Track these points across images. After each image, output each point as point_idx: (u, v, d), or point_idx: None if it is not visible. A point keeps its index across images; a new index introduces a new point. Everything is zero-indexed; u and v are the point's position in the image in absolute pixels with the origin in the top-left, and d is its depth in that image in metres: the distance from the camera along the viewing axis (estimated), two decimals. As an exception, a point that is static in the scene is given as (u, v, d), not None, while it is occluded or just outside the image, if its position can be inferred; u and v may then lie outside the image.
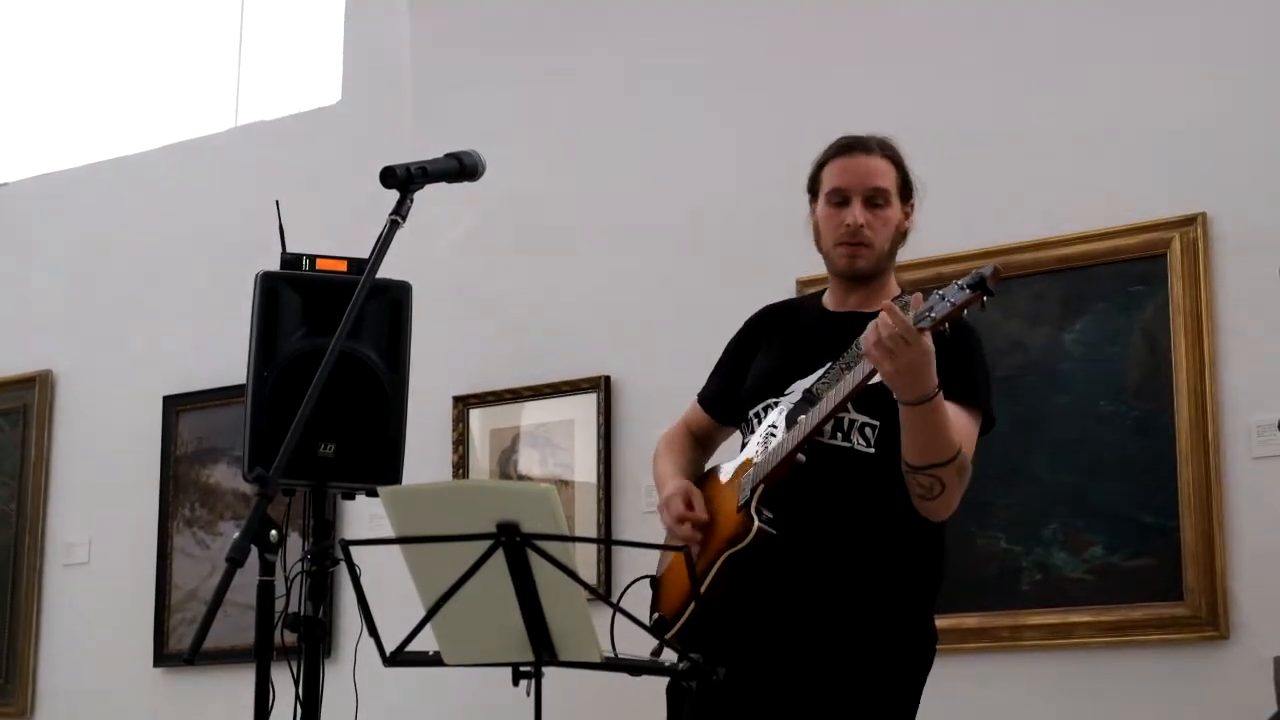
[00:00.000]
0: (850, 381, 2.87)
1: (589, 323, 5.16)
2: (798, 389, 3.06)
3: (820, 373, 3.05)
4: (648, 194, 5.14)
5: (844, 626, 2.96)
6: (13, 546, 6.20)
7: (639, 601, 3.01)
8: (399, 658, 2.66)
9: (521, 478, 5.18)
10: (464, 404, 5.33)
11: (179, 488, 5.90)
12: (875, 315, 3.08)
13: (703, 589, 2.91)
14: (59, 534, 6.17)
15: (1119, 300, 4.31)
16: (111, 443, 6.07)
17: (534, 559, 2.55)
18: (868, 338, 2.76)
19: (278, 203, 3.43)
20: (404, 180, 2.89)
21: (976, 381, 3.04)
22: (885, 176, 3.13)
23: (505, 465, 5.26)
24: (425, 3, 5.70)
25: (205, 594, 5.72)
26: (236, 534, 2.52)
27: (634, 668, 2.88)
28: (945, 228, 4.51)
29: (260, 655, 3.09)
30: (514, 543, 2.53)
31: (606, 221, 5.22)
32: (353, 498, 3.52)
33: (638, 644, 2.99)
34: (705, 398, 3.38)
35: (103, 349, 6.18)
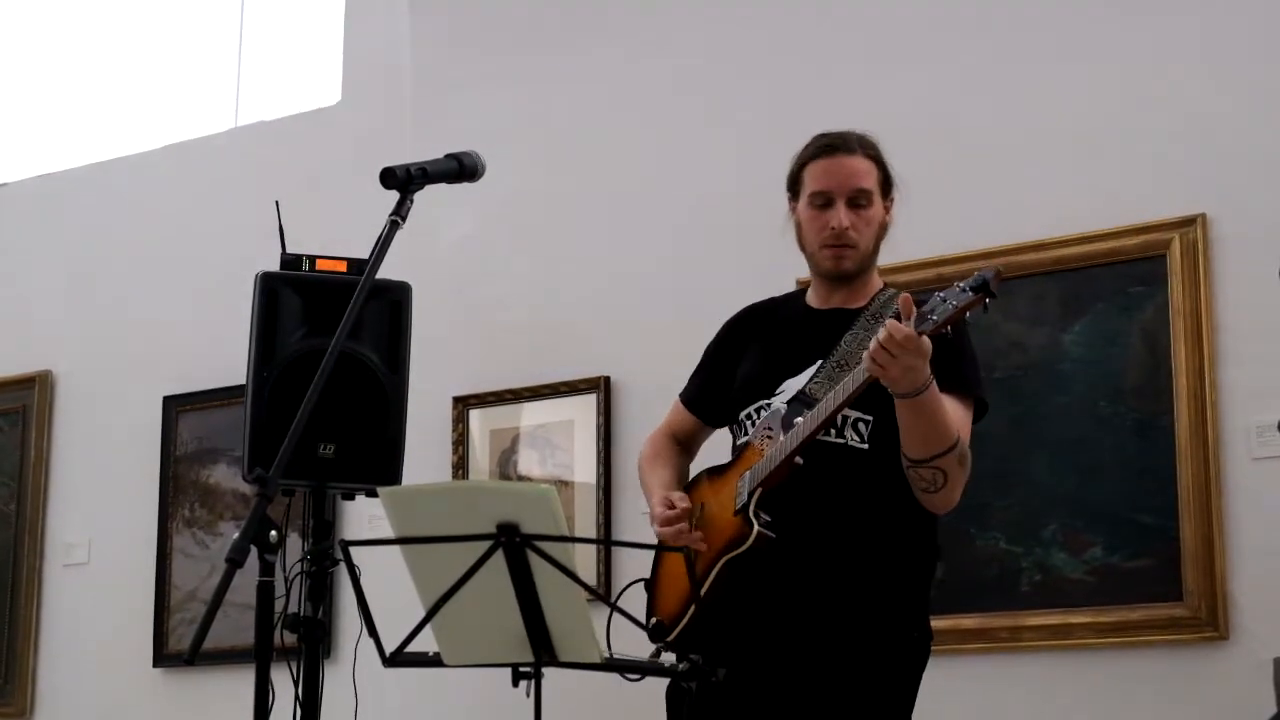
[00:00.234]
0: (846, 388, 2.86)
1: (589, 323, 5.16)
2: (788, 388, 3.07)
3: (812, 372, 3.05)
4: (647, 194, 5.14)
5: (844, 626, 2.96)
6: (12, 547, 6.20)
7: (634, 604, 3.02)
8: (399, 658, 2.66)
9: (521, 478, 5.18)
10: (464, 404, 5.33)
11: (179, 488, 5.90)
12: (859, 312, 3.11)
13: (702, 592, 2.91)
14: (58, 534, 6.17)
15: (1119, 301, 4.31)
16: (111, 443, 6.07)
17: (534, 560, 2.55)
18: (869, 352, 2.76)
19: (277, 203, 3.43)
20: (404, 181, 2.89)
21: (966, 370, 3.04)
22: (868, 176, 3.12)
23: (505, 466, 5.26)
24: (425, 3, 5.70)
25: (205, 594, 5.72)
26: (236, 534, 2.52)
27: (634, 669, 2.88)
28: (945, 228, 4.53)
29: (260, 656, 3.09)
30: (514, 543, 2.53)
31: (606, 222, 5.22)
32: (352, 498, 3.52)
33: (636, 645, 2.99)
34: (689, 399, 3.38)
35: (103, 349, 6.19)
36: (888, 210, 3.17)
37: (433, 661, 2.74)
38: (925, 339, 2.73)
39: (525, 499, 2.57)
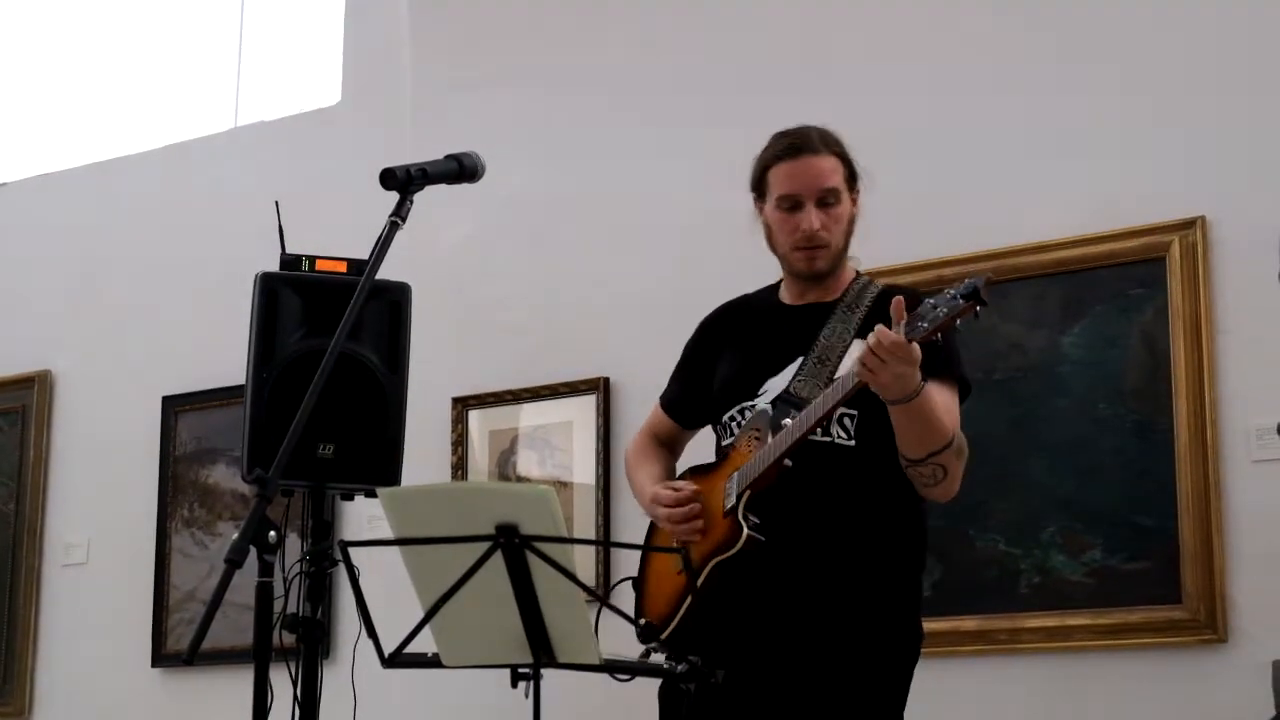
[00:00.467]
0: (836, 392, 2.85)
1: (588, 324, 5.16)
2: (771, 388, 3.06)
3: (793, 369, 3.04)
4: (647, 195, 5.14)
5: (836, 626, 2.96)
6: (11, 547, 6.20)
7: (623, 602, 3.02)
8: (397, 659, 2.66)
9: (520, 479, 5.18)
10: (463, 405, 5.33)
11: (178, 488, 5.90)
12: (834, 305, 3.09)
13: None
14: (58, 534, 6.17)
15: (1118, 303, 4.31)
16: (110, 443, 6.07)
17: (533, 561, 2.55)
18: (859, 358, 2.75)
19: (277, 203, 3.43)
20: (404, 182, 2.89)
21: (946, 354, 2.99)
22: (834, 175, 3.10)
23: (504, 466, 5.26)
24: (425, 4, 5.70)
25: (204, 594, 5.72)
26: (235, 535, 2.52)
27: (633, 670, 2.88)
28: (945, 230, 4.53)
29: (259, 656, 3.09)
30: (513, 544, 2.53)
31: (606, 223, 5.22)
32: (351, 499, 3.51)
33: (633, 646, 2.99)
34: (668, 402, 3.38)
35: (102, 349, 6.19)
36: (855, 202, 3.15)
37: (431, 662, 2.74)
38: (915, 346, 2.72)
39: (524, 500, 2.57)
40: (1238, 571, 4.07)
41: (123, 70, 6.64)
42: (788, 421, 2.93)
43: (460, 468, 5.30)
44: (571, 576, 2.55)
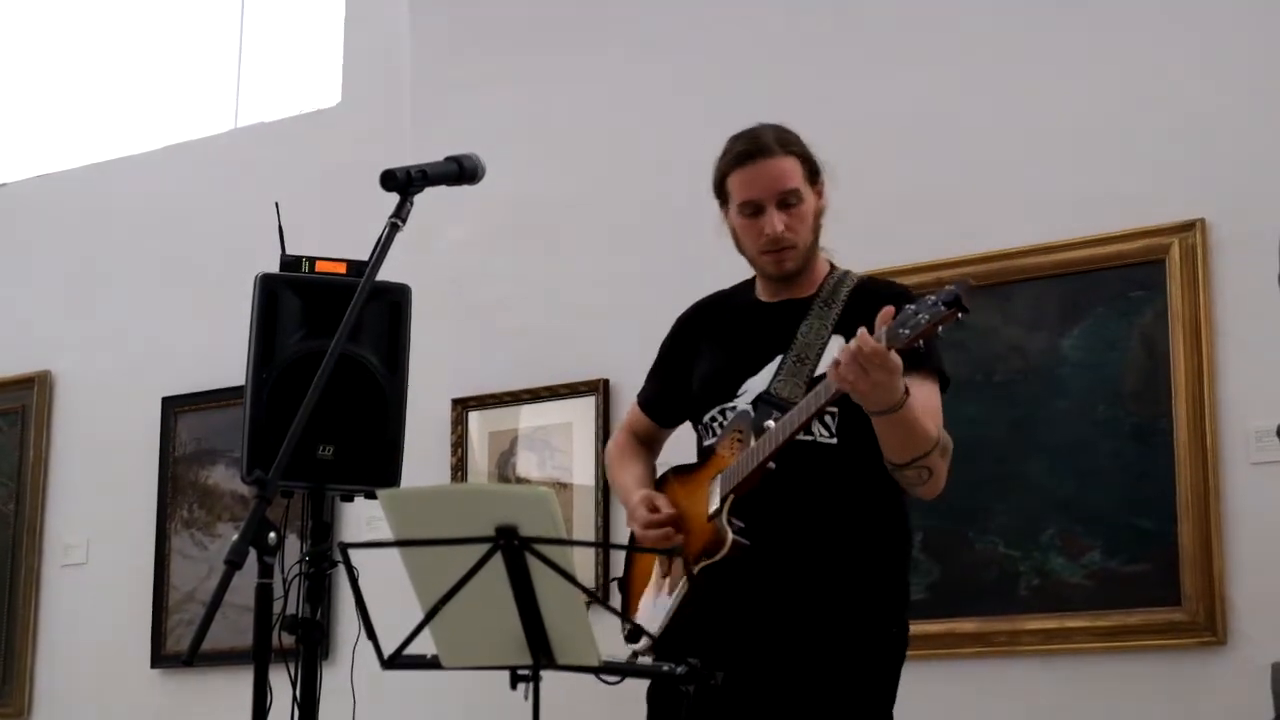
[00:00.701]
0: (818, 398, 2.83)
1: (588, 326, 5.16)
2: (751, 388, 3.05)
3: (773, 369, 3.03)
4: (647, 196, 5.14)
5: (823, 627, 2.95)
6: (11, 547, 6.20)
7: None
8: (397, 660, 2.65)
9: (520, 480, 5.18)
10: (463, 406, 5.33)
11: (177, 489, 5.90)
12: (810, 300, 3.08)
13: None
14: (57, 535, 6.17)
15: (1118, 306, 4.31)
16: (110, 444, 6.07)
17: (532, 562, 2.54)
18: (836, 364, 2.73)
19: (277, 204, 3.42)
20: (404, 183, 2.88)
21: (926, 347, 2.93)
22: (793, 175, 3.06)
23: (504, 468, 5.26)
24: (425, 4, 5.70)
25: (203, 595, 5.72)
26: (235, 536, 2.52)
27: (633, 672, 2.88)
28: (944, 232, 4.53)
29: (258, 657, 3.08)
30: (512, 546, 2.52)
31: (606, 224, 5.22)
32: (351, 500, 3.51)
33: (614, 644, 2.99)
34: (645, 401, 3.36)
35: (102, 350, 6.19)
36: (820, 195, 3.12)
37: (431, 664, 2.73)
38: (895, 355, 2.70)
39: (524, 501, 2.57)
40: (1237, 574, 4.07)
41: (123, 70, 6.64)
42: (770, 423, 2.91)
43: (460, 469, 5.30)
44: (571, 578, 2.55)
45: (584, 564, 4.74)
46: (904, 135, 4.69)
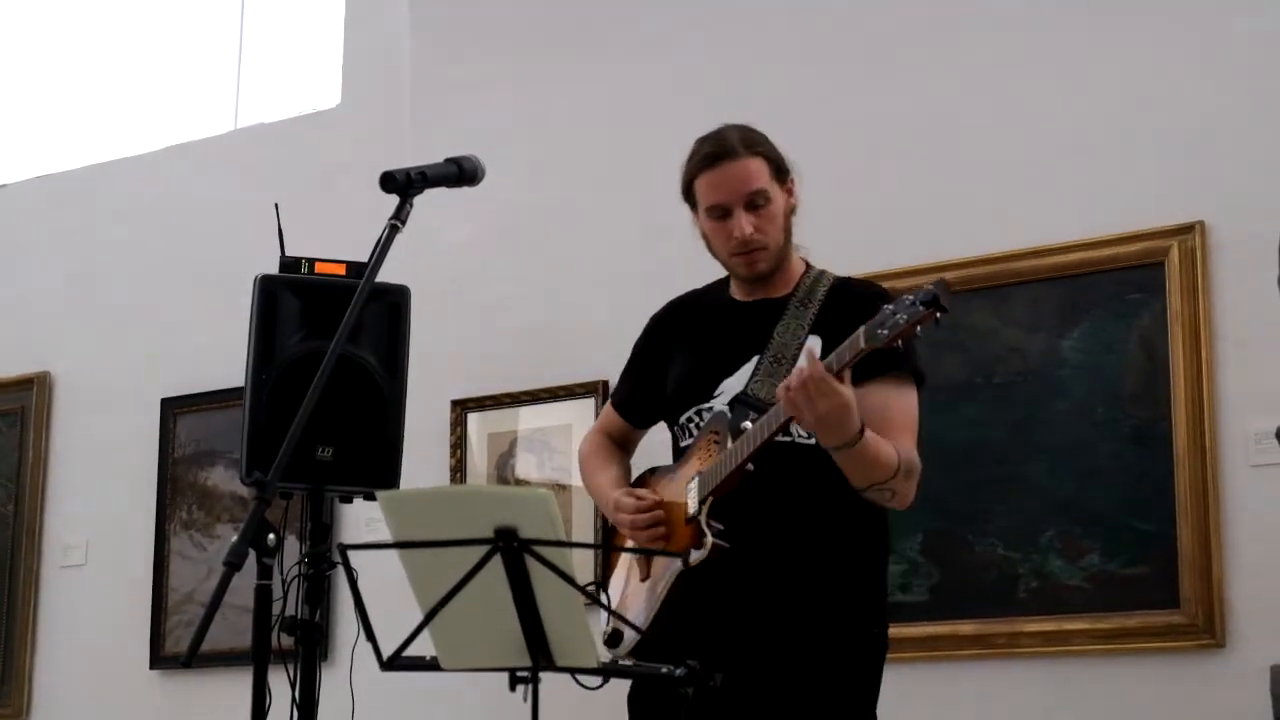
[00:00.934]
0: (771, 422, 2.82)
1: (587, 327, 5.15)
2: (727, 389, 3.03)
3: (749, 369, 3.02)
4: (647, 198, 5.13)
5: (803, 627, 2.94)
6: (10, 548, 6.20)
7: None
8: (396, 662, 2.65)
9: (519, 482, 5.18)
10: (462, 408, 5.33)
11: (176, 490, 5.90)
12: (786, 300, 3.06)
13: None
14: (56, 536, 6.17)
15: (1117, 308, 4.31)
16: (109, 445, 6.06)
17: (531, 564, 2.54)
18: (783, 388, 2.72)
19: (277, 206, 3.43)
20: (403, 185, 2.88)
21: (903, 347, 2.92)
22: (759, 176, 3.04)
23: (503, 469, 5.26)
24: (425, 6, 5.70)
25: (202, 596, 5.72)
26: (234, 537, 2.52)
27: (632, 674, 2.88)
28: (943, 234, 4.53)
29: (257, 658, 3.08)
30: (511, 548, 2.52)
31: (605, 225, 5.22)
32: (350, 501, 3.51)
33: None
34: (619, 401, 3.35)
35: (101, 351, 6.19)
36: (790, 193, 3.10)
37: (430, 665, 2.73)
38: (847, 390, 2.69)
39: (523, 503, 2.57)
40: (1236, 576, 4.07)
41: (123, 71, 6.64)
42: (748, 425, 2.89)
43: (459, 470, 5.30)
44: (570, 580, 2.55)
45: (583, 565, 4.73)
46: (903, 136, 4.69)
